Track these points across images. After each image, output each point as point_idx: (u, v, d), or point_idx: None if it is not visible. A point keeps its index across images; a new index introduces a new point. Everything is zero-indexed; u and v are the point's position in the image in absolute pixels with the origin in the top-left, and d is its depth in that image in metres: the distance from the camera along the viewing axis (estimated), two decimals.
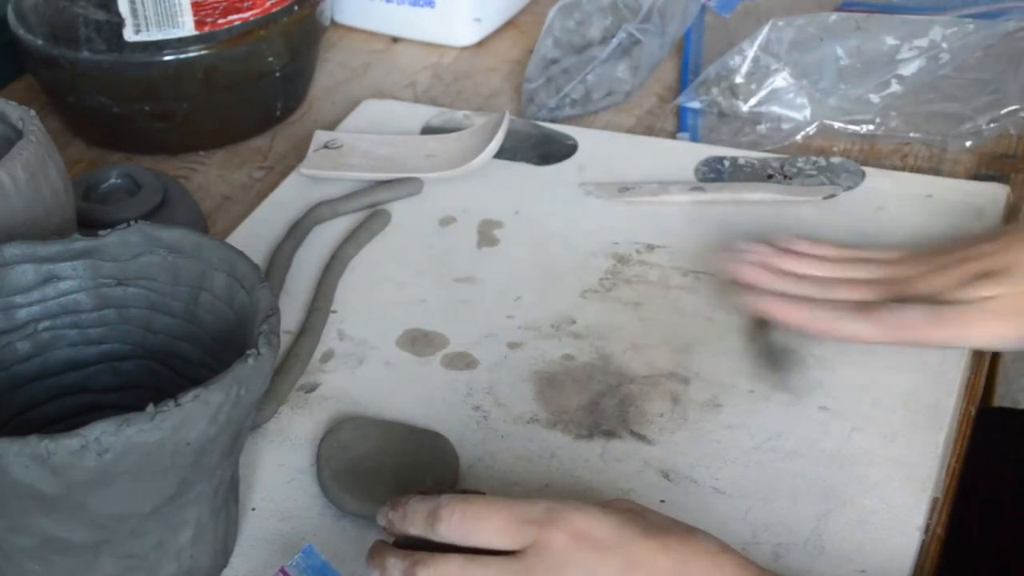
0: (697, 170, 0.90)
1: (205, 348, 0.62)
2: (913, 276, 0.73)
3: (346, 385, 0.73)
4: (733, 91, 0.96)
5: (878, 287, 0.73)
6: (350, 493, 0.64)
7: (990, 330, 0.69)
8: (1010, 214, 0.85)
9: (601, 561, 0.54)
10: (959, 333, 0.70)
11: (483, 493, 0.60)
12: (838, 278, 0.75)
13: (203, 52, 0.92)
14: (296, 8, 0.97)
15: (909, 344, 0.71)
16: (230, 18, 0.92)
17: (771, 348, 0.73)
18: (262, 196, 0.90)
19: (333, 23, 1.11)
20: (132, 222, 0.63)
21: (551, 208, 0.87)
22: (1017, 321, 0.69)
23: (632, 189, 0.88)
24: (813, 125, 0.94)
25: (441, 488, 0.63)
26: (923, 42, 0.95)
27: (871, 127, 0.94)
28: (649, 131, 0.97)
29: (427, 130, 0.96)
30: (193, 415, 0.52)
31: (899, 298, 0.71)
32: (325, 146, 0.93)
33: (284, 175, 0.92)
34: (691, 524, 0.58)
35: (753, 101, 0.96)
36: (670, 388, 0.72)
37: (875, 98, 0.95)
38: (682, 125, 0.97)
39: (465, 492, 0.60)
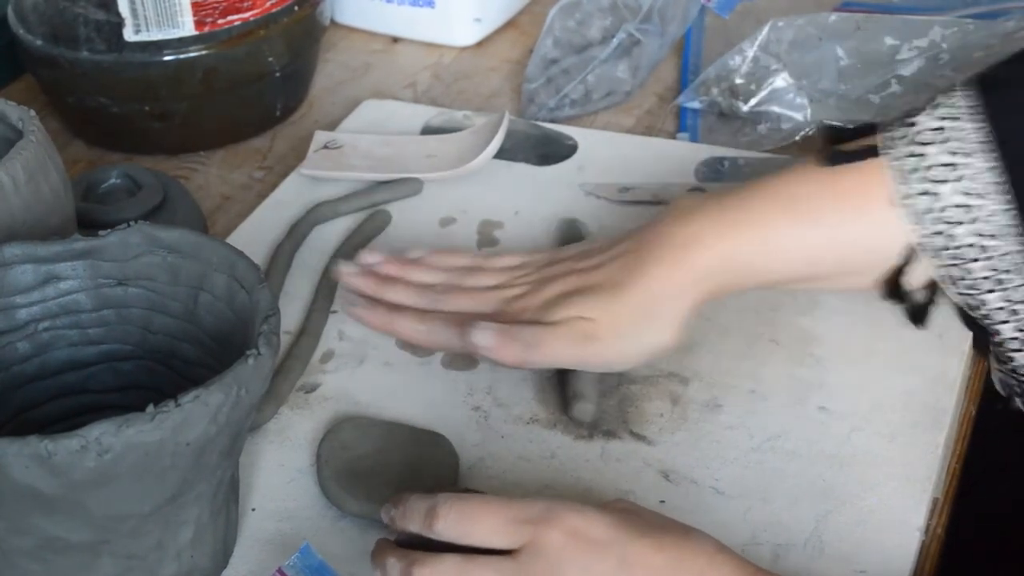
0: (697, 170, 0.90)
1: (205, 348, 0.62)
2: (518, 289, 0.71)
3: (346, 385, 0.73)
4: (733, 91, 0.96)
5: (488, 297, 0.71)
6: (350, 493, 0.64)
7: (562, 353, 0.67)
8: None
9: (597, 559, 0.54)
10: (532, 356, 0.67)
11: (483, 492, 0.60)
12: (458, 286, 0.72)
13: (203, 52, 0.92)
14: (296, 8, 0.97)
15: (489, 360, 0.69)
16: (230, 18, 0.92)
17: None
18: (262, 196, 0.90)
19: (333, 23, 1.11)
20: (132, 222, 0.63)
21: (551, 208, 0.87)
22: (593, 345, 0.66)
23: (632, 189, 0.88)
24: (813, 125, 0.94)
25: (441, 488, 0.63)
26: (923, 42, 0.95)
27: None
28: (649, 131, 0.97)
29: (427, 130, 0.96)
30: (193, 415, 0.52)
31: (502, 312, 0.69)
32: (325, 146, 0.93)
33: (284, 175, 0.92)
34: (690, 524, 0.58)
35: (753, 101, 0.96)
36: (670, 388, 0.72)
37: (875, 98, 0.95)
38: (682, 125, 0.97)
39: (465, 491, 0.60)
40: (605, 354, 0.67)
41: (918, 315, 0.66)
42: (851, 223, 0.64)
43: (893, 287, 0.65)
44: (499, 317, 0.69)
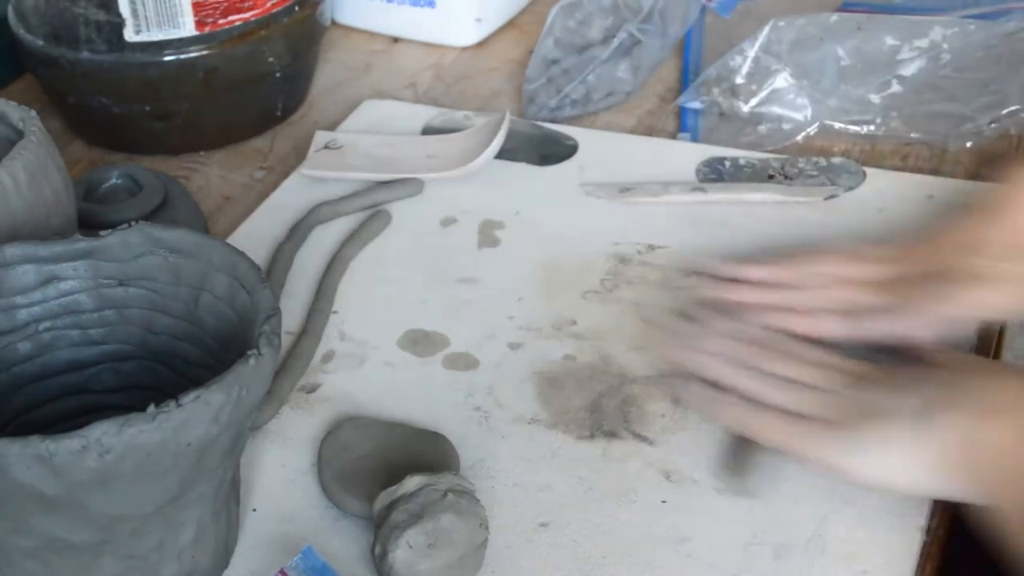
0: (698, 170, 0.90)
1: (206, 349, 0.62)
2: (904, 273, 0.71)
3: (347, 386, 0.73)
4: (734, 91, 0.96)
5: (877, 288, 0.71)
6: (351, 494, 0.64)
7: (999, 300, 0.68)
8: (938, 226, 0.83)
9: None
10: (972, 306, 0.68)
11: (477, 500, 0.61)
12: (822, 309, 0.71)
13: (204, 52, 0.92)
14: (297, 8, 0.97)
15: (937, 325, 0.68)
16: (231, 18, 0.92)
17: (742, 456, 0.67)
18: (263, 196, 0.90)
19: (333, 23, 1.11)
20: (133, 222, 0.63)
21: (552, 209, 0.87)
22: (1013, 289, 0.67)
23: (633, 189, 0.88)
24: (814, 125, 0.94)
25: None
26: (924, 42, 0.95)
27: (872, 127, 0.94)
28: (650, 131, 0.97)
29: (428, 130, 0.96)
30: (194, 416, 0.52)
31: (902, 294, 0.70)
32: (326, 146, 0.93)
33: (285, 175, 0.92)
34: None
35: (754, 101, 0.96)
36: (671, 389, 0.71)
37: (876, 98, 0.95)
38: (683, 125, 0.97)
39: (461, 491, 0.60)
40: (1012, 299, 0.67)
41: None
42: None
43: None
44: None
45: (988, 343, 0.75)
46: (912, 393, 0.62)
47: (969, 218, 0.72)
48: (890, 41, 0.96)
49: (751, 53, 0.96)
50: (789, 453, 0.64)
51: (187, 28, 0.91)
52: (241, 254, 0.61)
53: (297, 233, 0.85)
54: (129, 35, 0.91)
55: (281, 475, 0.67)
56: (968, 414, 0.59)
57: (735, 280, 0.75)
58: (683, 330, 0.71)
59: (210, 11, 0.91)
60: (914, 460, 0.60)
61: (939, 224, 0.74)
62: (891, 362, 0.67)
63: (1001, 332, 0.75)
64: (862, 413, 0.62)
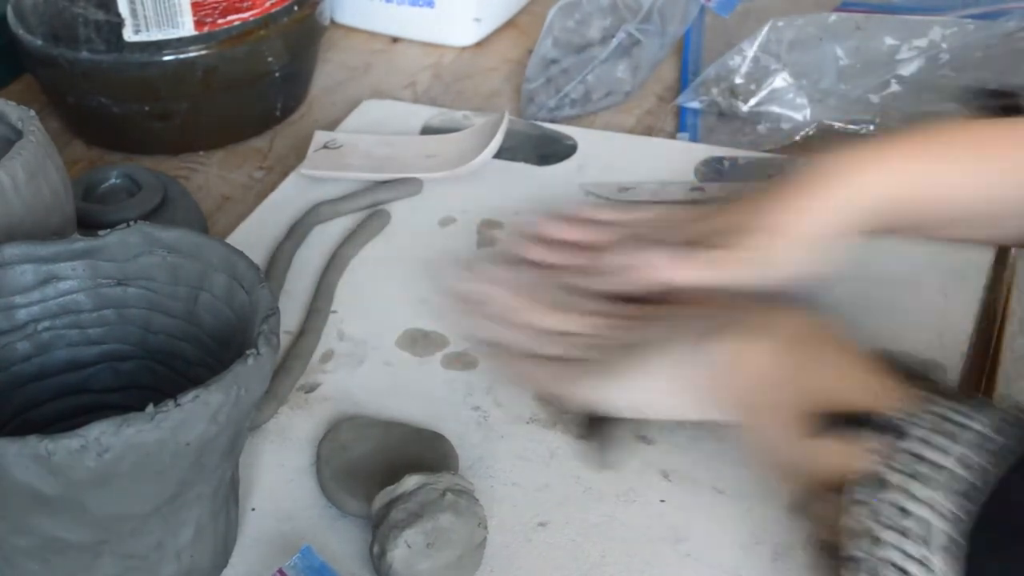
0: (697, 170, 0.90)
1: (205, 348, 0.62)
2: (672, 227, 0.72)
3: (346, 385, 0.73)
4: (733, 91, 0.96)
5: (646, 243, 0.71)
6: (350, 493, 0.64)
7: (735, 271, 0.67)
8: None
9: None
10: (706, 272, 0.67)
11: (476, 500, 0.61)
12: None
13: (203, 52, 0.92)
14: (296, 8, 0.97)
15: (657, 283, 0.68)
16: (230, 18, 0.92)
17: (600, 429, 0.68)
18: (262, 196, 0.90)
19: (333, 23, 1.11)
20: (132, 222, 0.63)
21: (551, 209, 0.87)
22: (761, 265, 0.67)
23: (632, 189, 0.88)
24: (813, 125, 0.94)
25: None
26: (923, 42, 0.95)
27: (871, 127, 0.94)
28: (649, 131, 0.97)
29: (427, 130, 0.96)
30: (193, 415, 0.52)
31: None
32: (325, 146, 0.93)
33: (284, 175, 0.92)
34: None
35: (753, 101, 0.96)
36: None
37: (875, 98, 0.95)
38: (682, 125, 0.97)
39: (459, 490, 0.60)
40: (750, 271, 0.67)
41: None
42: (997, 166, 0.65)
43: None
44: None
45: (988, 341, 0.75)
46: (675, 327, 0.64)
47: (772, 188, 0.71)
48: (889, 41, 0.96)
49: (750, 53, 0.96)
50: (556, 396, 0.66)
51: (186, 28, 0.91)
52: (240, 254, 0.61)
53: (296, 233, 0.85)
54: (128, 35, 0.91)
55: (280, 475, 0.67)
56: (725, 344, 0.61)
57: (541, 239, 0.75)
58: (467, 290, 0.72)
59: (209, 11, 0.91)
60: (674, 384, 0.62)
61: (750, 190, 0.73)
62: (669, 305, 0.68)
63: (1001, 332, 0.75)
64: (626, 349, 0.64)
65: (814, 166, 0.68)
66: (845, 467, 0.54)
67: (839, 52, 0.96)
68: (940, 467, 0.51)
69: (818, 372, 0.59)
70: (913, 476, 0.51)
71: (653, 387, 0.63)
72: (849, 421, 0.55)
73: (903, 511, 0.51)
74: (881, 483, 0.52)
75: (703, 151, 0.92)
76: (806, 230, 0.67)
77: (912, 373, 0.57)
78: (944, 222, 0.68)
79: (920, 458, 0.51)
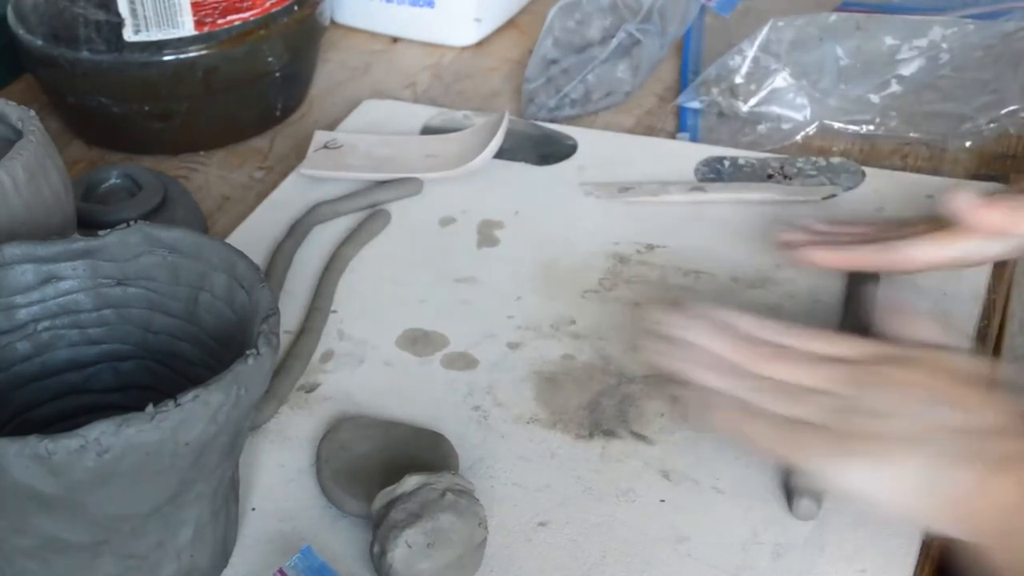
0: (697, 170, 0.90)
1: (205, 348, 0.62)
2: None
3: (346, 385, 0.73)
4: (733, 91, 0.96)
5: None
6: (350, 493, 0.64)
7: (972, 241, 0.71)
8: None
9: None
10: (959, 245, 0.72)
11: (477, 499, 0.60)
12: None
13: (203, 52, 0.92)
14: (296, 8, 0.97)
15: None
16: (230, 18, 0.92)
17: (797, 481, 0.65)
18: (262, 196, 0.90)
19: (333, 23, 1.11)
20: (132, 222, 0.63)
21: (551, 208, 0.87)
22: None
23: (632, 189, 0.88)
24: (813, 125, 0.94)
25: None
26: (923, 42, 0.95)
27: (871, 127, 0.94)
28: (649, 131, 0.97)
29: (427, 130, 0.96)
30: (193, 415, 0.52)
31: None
32: (325, 146, 0.93)
33: (284, 175, 0.92)
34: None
35: (753, 101, 0.96)
36: (670, 388, 0.71)
37: (875, 98, 0.95)
38: (682, 125, 0.97)
39: (460, 490, 0.60)
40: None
41: None
42: None
43: None
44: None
45: (988, 342, 0.75)
46: (926, 425, 0.60)
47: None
48: (889, 41, 0.96)
49: (750, 53, 0.96)
50: (782, 460, 0.63)
51: (186, 28, 0.91)
52: (240, 254, 0.61)
53: (296, 232, 0.85)
54: (128, 35, 0.91)
55: (280, 475, 0.67)
56: (979, 468, 0.57)
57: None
58: (674, 333, 0.67)
59: (209, 11, 0.91)
60: (911, 493, 0.58)
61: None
62: (899, 352, 0.64)
63: (1001, 332, 0.75)
64: (861, 424, 0.60)
65: None
66: None
67: (839, 52, 0.96)
68: None
69: None
70: None
71: (898, 484, 0.58)
72: None
73: None
74: None
75: (703, 151, 0.92)
76: None
77: None
78: None
79: None
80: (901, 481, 0.58)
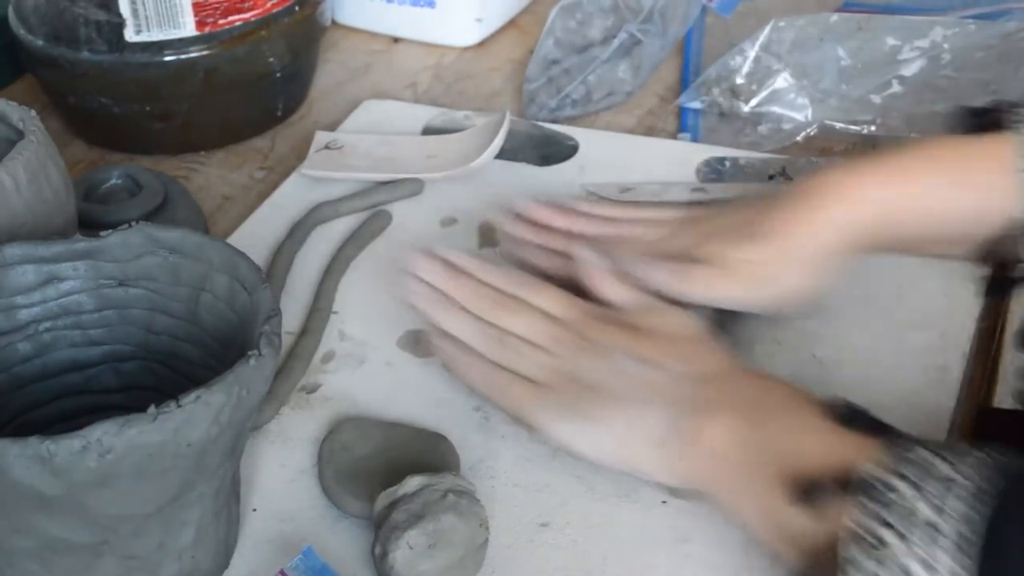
0: (698, 170, 0.90)
1: (206, 349, 0.62)
2: (672, 235, 0.74)
3: (347, 386, 0.73)
4: (734, 91, 0.96)
5: (644, 247, 0.73)
6: (351, 494, 0.64)
7: (732, 290, 0.69)
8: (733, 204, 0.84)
9: None
10: (702, 291, 0.69)
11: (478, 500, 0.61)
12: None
13: (204, 52, 0.92)
14: (297, 9, 0.97)
15: (657, 296, 0.70)
16: (231, 18, 0.92)
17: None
18: (263, 197, 0.90)
19: (334, 23, 1.11)
20: (133, 223, 0.63)
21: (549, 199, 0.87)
22: (744, 284, 0.69)
23: (633, 189, 0.88)
24: (814, 126, 0.94)
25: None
26: (924, 43, 0.95)
27: (872, 127, 0.94)
28: (650, 131, 0.97)
29: (428, 131, 0.96)
30: (195, 416, 0.52)
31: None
32: (326, 147, 0.93)
33: (285, 176, 0.92)
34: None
35: (754, 102, 0.96)
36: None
37: (876, 98, 0.95)
38: (683, 125, 0.97)
39: (461, 491, 0.60)
40: (747, 291, 0.69)
41: (997, 287, 0.69)
42: (973, 185, 0.67)
43: (984, 256, 0.68)
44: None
45: (988, 343, 0.75)
46: (632, 379, 0.64)
47: (770, 201, 0.72)
48: (890, 41, 0.96)
49: (751, 53, 0.96)
50: (523, 420, 0.66)
51: (187, 28, 0.91)
52: (241, 254, 0.61)
53: (297, 233, 0.84)
54: (129, 35, 0.91)
55: (281, 475, 0.67)
56: (680, 413, 0.62)
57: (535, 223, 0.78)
58: (419, 273, 0.72)
59: (210, 11, 0.91)
60: (616, 443, 0.63)
61: (751, 199, 0.75)
62: (618, 316, 0.68)
63: (1002, 333, 0.75)
64: (576, 382, 0.65)
65: (813, 181, 0.69)
66: (833, 532, 0.53)
67: (840, 52, 0.96)
68: (933, 522, 0.50)
69: (784, 438, 0.59)
70: (908, 533, 0.51)
71: (624, 442, 0.63)
72: (825, 484, 0.55)
73: (906, 572, 0.50)
74: (880, 542, 0.51)
75: (704, 151, 0.92)
76: (807, 247, 0.68)
77: (867, 422, 0.57)
78: (925, 240, 0.69)
79: (913, 513, 0.51)
80: (609, 436, 0.63)
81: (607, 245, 0.73)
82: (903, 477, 0.52)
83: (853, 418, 0.58)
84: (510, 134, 0.92)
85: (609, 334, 0.67)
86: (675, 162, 0.91)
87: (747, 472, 0.59)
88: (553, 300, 0.69)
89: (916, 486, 0.51)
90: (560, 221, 0.78)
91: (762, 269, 0.68)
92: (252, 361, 0.54)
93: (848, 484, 0.53)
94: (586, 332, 0.67)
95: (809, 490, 0.56)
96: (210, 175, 0.95)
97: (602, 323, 0.68)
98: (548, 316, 0.69)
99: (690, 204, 0.81)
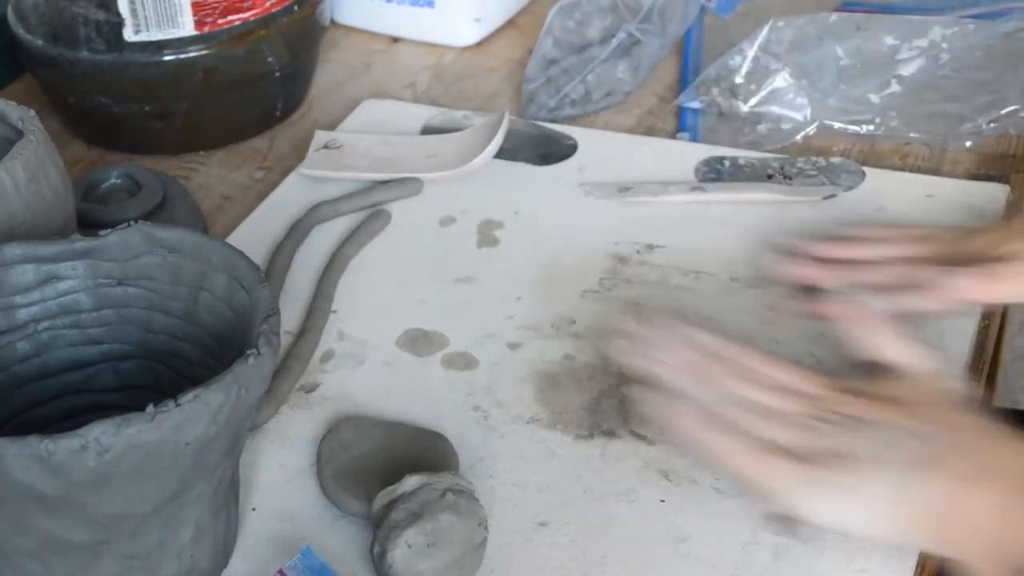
0: (697, 170, 0.90)
1: (205, 348, 0.62)
2: (962, 243, 0.74)
3: (346, 385, 0.73)
4: (733, 91, 0.96)
5: (935, 254, 0.73)
6: (350, 493, 0.64)
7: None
8: (1009, 214, 0.85)
9: None
10: (1013, 288, 0.70)
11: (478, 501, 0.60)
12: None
13: (203, 52, 0.92)
14: (296, 8, 0.97)
15: (966, 305, 0.70)
16: (230, 18, 0.92)
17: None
18: (262, 196, 0.90)
19: (333, 23, 1.11)
20: (132, 222, 0.63)
21: (551, 208, 0.87)
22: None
23: (632, 189, 0.88)
24: (813, 125, 0.94)
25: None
26: (923, 42, 0.95)
27: (871, 127, 0.94)
28: (649, 131, 0.97)
29: (427, 130, 0.96)
30: (193, 415, 0.52)
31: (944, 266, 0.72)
32: (325, 146, 0.93)
33: (284, 175, 0.92)
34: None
35: (753, 101, 0.96)
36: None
37: (875, 98, 0.95)
38: (682, 125, 0.97)
39: (460, 490, 0.60)
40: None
41: None
42: None
43: None
44: None
45: (988, 341, 0.75)
46: (890, 443, 0.59)
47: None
48: (889, 41, 0.96)
49: (750, 53, 0.96)
50: (746, 483, 0.61)
51: (186, 28, 0.91)
52: (240, 254, 0.61)
53: (296, 233, 0.85)
54: (128, 35, 0.91)
55: (280, 475, 0.67)
56: (948, 478, 0.57)
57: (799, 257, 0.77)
58: (646, 335, 0.65)
59: (209, 11, 0.91)
60: (882, 515, 0.58)
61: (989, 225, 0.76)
62: (865, 389, 0.63)
63: (1001, 332, 0.75)
64: (831, 454, 0.59)
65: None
66: None
67: (839, 52, 0.96)
68: None
69: None
70: None
71: (866, 510, 0.58)
72: None
73: None
74: None
75: (703, 151, 0.92)
76: None
77: None
78: None
79: None
80: (871, 504, 0.58)
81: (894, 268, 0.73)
82: None
83: None
84: (509, 134, 0.92)
85: (864, 407, 0.61)
86: (674, 161, 0.91)
87: (1009, 550, 0.56)
88: (796, 375, 0.64)
89: None
90: (841, 252, 0.76)
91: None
92: (251, 360, 0.54)
93: None
94: (837, 406, 0.62)
95: None
96: (209, 175, 0.95)
97: (853, 396, 0.62)
98: (787, 389, 0.63)
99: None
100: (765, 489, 0.60)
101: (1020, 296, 0.70)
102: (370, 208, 0.87)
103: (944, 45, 0.95)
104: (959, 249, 0.73)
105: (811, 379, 0.64)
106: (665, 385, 0.63)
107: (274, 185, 0.91)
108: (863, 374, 0.65)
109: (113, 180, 0.86)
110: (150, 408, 0.51)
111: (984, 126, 0.92)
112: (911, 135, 0.93)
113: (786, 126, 0.95)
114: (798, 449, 0.59)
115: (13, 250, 0.62)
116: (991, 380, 1.13)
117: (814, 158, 0.90)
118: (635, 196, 0.87)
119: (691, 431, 0.61)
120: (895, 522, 0.58)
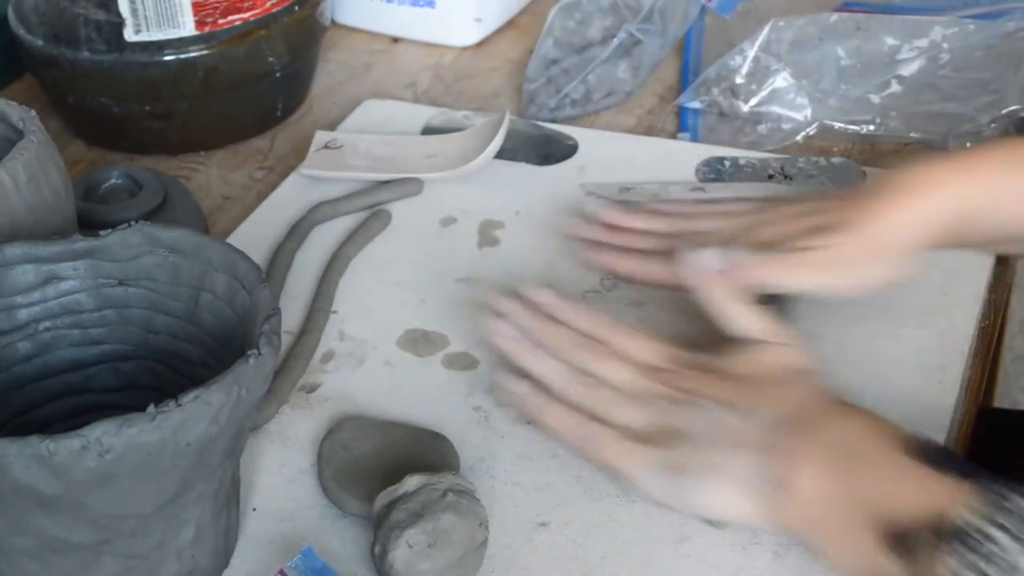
0: (698, 170, 0.90)
1: (206, 348, 0.62)
2: (756, 225, 0.73)
3: (347, 385, 0.73)
4: (733, 91, 0.96)
5: (722, 236, 0.73)
6: (351, 493, 0.64)
7: (807, 278, 0.69)
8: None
9: None
10: (780, 277, 0.69)
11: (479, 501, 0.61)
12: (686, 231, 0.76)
13: (203, 52, 0.92)
14: (296, 8, 0.97)
15: (737, 284, 0.69)
16: (230, 18, 0.92)
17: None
18: (262, 196, 0.90)
19: (333, 23, 1.11)
20: (133, 222, 0.63)
21: (552, 208, 0.87)
22: (834, 272, 0.69)
23: (632, 189, 0.88)
24: (813, 125, 0.94)
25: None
26: (923, 42, 0.95)
27: (871, 127, 0.94)
28: (650, 131, 0.97)
29: (427, 130, 0.96)
30: (194, 415, 0.52)
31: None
32: (326, 146, 0.93)
33: (284, 175, 0.92)
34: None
35: (753, 101, 0.96)
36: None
37: (875, 98, 0.95)
38: (682, 125, 0.97)
39: (460, 490, 0.60)
40: (837, 281, 0.69)
41: None
42: None
43: None
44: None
45: (988, 342, 0.75)
46: (720, 424, 0.63)
47: (853, 194, 0.73)
48: (890, 41, 0.96)
49: (751, 53, 0.96)
50: (611, 472, 0.65)
51: (187, 28, 0.91)
52: (241, 254, 0.61)
53: (297, 233, 0.85)
54: (129, 35, 0.91)
55: (281, 475, 0.67)
56: (773, 455, 0.60)
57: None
58: (505, 313, 0.71)
59: (210, 11, 0.91)
60: (719, 496, 0.61)
61: (820, 194, 0.76)
62: (710, 363, 0.67)
63: (1001, 332, 0.75)
64: (668, 432, 0.63)
65: (900, 176, 0.69)
66: None
67: (840, 52, 0.96)
68: None
69: (875, 486, 0.57)
70: None
71: (720, 494, 0.62)
72: (918, 532, 0.54)
73: None
74: None
75: (704, 151, 0.92)
76: (895, 239, 0.68)
77: (954, 462, 0.56)
78: (1006, 238, 0.70)
79: (1016, 569, 0.50)
80: (705, 489, 0.62)
81: (684, 240, 0.74)
82: (1002, 528, 0.51)
83: (939, 457, 0.57)
84: (510, 134, 0.92)
85: (701, 382, 0.65)
86: (675, 162, 0.91)
87: (839, 520, 0.58)
88: (643, 346, 0.68)
89: (1017, 538, 0.51)
90: (633, 221, 0.79)
91: (852, 258, 0.69)
92: (251, 360, 0.54)
93: (942, 531, 0.53)
94: (678, 381, 0.66)
95: (902, 538, 0.55)
96: (210, 175, 0.95)
97: (694, 370, 0.66)
98: (639, 363, 0.67)
99: (761, 199, 0.81)
100: (628, 476, 0.64)
101: (803, 288, 0.70)
102: (371, 208, 0.87)
103: (944, 45, 0.95)
104: (756, 234, 0.72)
105: (659, 350, 0.68)
106: (522, 364, 0.68)
107: (274, 185, 0.92)
108: (724, 346, 0.68)
109: (113, 180, 0.86)
110: (151, 408, 0.51)
111: (984, 126, 0.92)
112: (911, 135, 0.93)
113: (786, 126, 0.95)
114: (643, 430, 0.64)
115: (14, 250, 0.63)
116: (991, 380, 1.13)
117: (814, 158, 0.91)
118: (635, 196, 0.87)
119: (552, 425, 0.66)
120: (735, 503, 0.61)
